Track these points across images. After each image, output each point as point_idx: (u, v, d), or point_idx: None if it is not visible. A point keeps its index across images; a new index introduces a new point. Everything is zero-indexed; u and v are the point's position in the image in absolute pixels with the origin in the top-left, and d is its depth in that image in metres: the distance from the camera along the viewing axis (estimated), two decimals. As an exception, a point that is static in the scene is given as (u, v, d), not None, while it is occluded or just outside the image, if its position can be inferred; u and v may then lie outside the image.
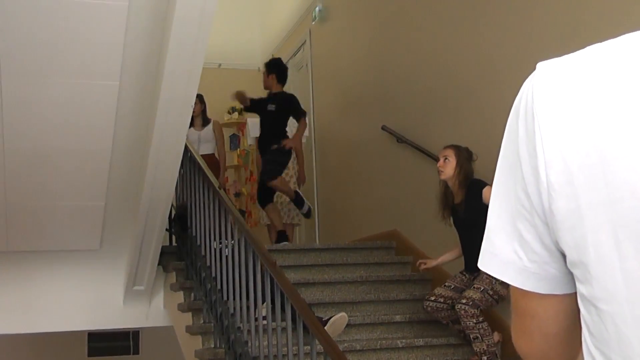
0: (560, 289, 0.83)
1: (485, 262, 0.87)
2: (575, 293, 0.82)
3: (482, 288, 4.23)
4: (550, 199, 0.78)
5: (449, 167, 4.52)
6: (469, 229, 4.42)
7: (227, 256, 4.42)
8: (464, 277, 4.51)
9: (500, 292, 4.24)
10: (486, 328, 4.16)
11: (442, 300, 4.51)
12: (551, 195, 0.78)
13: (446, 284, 4.60)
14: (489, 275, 3.89)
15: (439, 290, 4.59)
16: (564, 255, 0.81)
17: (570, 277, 0.82)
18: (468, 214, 4.43)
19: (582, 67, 0.79)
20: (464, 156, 4.53)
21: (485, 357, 4.14)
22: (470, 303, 4.17)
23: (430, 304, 4.54)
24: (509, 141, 0.85)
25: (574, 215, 0.76)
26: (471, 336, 4.17)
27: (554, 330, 0.87)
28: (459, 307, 4.20)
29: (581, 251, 0.77)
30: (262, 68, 7.12)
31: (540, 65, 0.84)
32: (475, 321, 4.15)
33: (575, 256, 0.78)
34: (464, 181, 4.48)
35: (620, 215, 0.73)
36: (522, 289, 0.85)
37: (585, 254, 0.76)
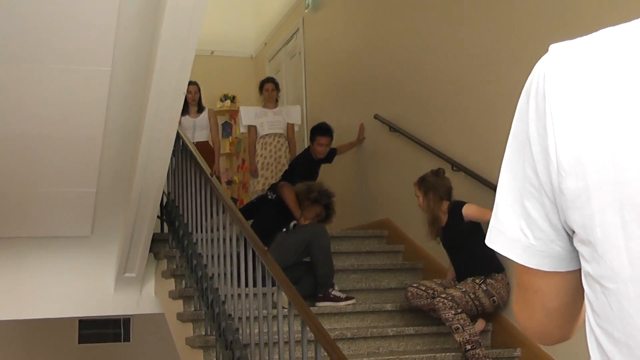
0: (563, 267, 0.86)
1: (493, 239, 0.89)
2: (578, 270, 0.84)
3: (464, 289, 4.35)
4: (560, 178, 0.80)
5: (420, 203, 4.71)
6: (454, 250, 4.65)
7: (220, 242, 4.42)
8: (452, 282, 4.64)
9: (481, 299, 4.34)
10: (465, 318, 4.24)
11: (423, 288, 4.62)
12: (561, 174, 0.80)
13: (434, 279, 4.75)
14: (473, 282, 3.99)
15: (424, 282, 4.75)
16: (569, 234, 0.83)
17: (574, 255, 0.84)
18: (450, 237, 4.61)
19: (594, 49, 0.81)
20: (430, 182, 4.68)
21: (469, 346, 4.17)
22: (450, 298, 4.28)
23: (412, 290, 4.66)
24: (519, 120, 0.86)
25: (583, 195, 0.78)
26: (452, 327, 4.23)
27: (555, 305, 0.90)
28: (437, 300, 4.29)
29: (589, 230, 0.79)
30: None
31: (552, 47, 0.85)
32: (454, 312, 4.22)
33: (583, 235, 0.80)
34: (440, 202, 4.63)
35: (628, 195, 0.75)
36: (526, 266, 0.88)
37: (592, 233, 0.78)
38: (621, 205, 0.75)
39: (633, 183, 0.74)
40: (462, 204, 4.52)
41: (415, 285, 4.68)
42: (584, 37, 0.83)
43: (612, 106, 0.76)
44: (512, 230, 0.86)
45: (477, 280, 4.35)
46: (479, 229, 4.43)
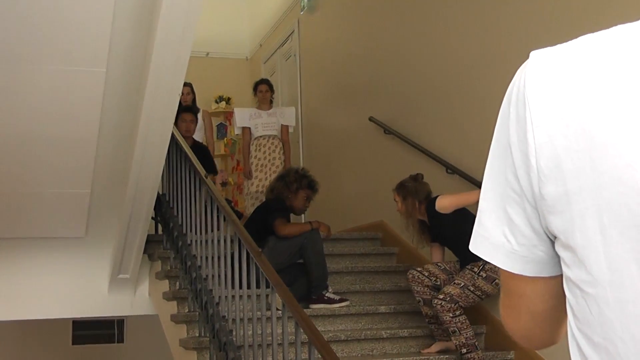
0: (546, 272, 0.86)
1: (477, 245, 0.90)
2: (561, 275, 0.84)
3: (462, 284, 4.27)
4: (541, 184, 0.81)
5: (399, 208, 4.75)
6: (449, 242, 4.66)
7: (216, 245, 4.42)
8: (456, 265, 4.56)
9: (482, 287, 4.26)
10: (463, 321, 4.20)
11: (426, 274, 4.54)
12: (541, 179, 0.80)
13: (438, 263, 4.65)
14: (471, 271, 3.92)
15: (428, 266, 4.64)
16: (551, 240, 0.84)
17: (557, 260, 0.85)
18: (439, 233, 4.64)
19: (574, 56, 0.81)
20: (409, 187, 4.71)
21: (464, 350, 4.16)
22: (448, 299, 4.22)
23: (413, 273, 4.56)
24: (501, 127, 0.87)
25: (563, 200, 0.79)
26: (449, 330, 4.21)
27: (540, 308, 0.90)
28: (436, 302, 4.24)
29: (569, 235, 0.79)
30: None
31: (533, 54, 0.85)
32: (451, 315, 4.18)
33: (564, 240, 0.80)
34: (419, 206, 4.66)
35: (606, 200, 0.75)
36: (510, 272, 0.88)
37: (572, 238, 0.79)
38: (600, 211, 0.76)
39: (611, 188, 0.74)
40: (434, 199, 4.51)
41: (419, 269, 4.58)
42: (564, 44, 0.83)
43: (590, 112, 0.76)
44: (496, 236, 0.87)
45: (475, 269, 4.26)
46: (462, 211, 4.41)
